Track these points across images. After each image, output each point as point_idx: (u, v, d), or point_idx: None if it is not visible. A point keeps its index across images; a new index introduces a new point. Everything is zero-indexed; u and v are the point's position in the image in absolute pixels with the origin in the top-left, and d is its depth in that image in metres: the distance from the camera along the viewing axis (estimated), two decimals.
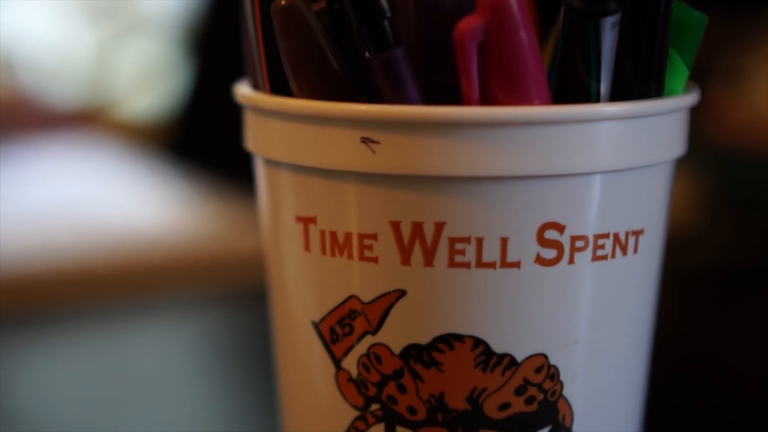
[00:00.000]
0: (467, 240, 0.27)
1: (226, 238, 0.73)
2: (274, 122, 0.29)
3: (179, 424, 0.48)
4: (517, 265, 0.27)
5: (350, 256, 0.28)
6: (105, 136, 1.14)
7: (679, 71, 0.29)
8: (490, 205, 0.27)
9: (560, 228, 0.27)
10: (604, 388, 0.29)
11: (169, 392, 0.53)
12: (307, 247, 0.29)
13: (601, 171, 0.27)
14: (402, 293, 0.28)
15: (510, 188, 0.27)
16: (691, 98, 0.29)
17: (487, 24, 0.26)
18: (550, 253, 0.27)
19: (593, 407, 0.29)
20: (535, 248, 0.27)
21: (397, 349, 0.28)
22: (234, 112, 0.33)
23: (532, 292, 0.28)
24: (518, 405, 0.28)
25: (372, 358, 0.28)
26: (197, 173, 0.91)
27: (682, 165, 0.31)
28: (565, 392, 0.28)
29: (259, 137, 0.30)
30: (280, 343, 0.32)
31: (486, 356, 0.28)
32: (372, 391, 0.29)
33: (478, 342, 0.28)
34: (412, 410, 0.28)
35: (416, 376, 0.28)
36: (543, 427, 0.28)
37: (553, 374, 0.28)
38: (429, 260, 0.27)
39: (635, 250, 0.29)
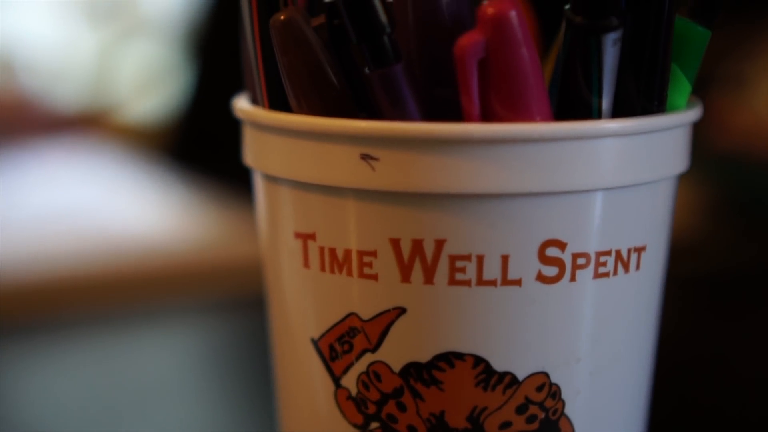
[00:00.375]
0: (468, 257, 0.27)
1: (227, 244, 0.73)
2: (272, 138, 0.29)
3: (180, 431, 0.48)
4: (518, 282, 0.27)
5: (350, 273, 0.28)
6: (106, 139, 1.14)
7: (681, 86, 0.29)
8: (490, 222, 0.27)
9: (562, 245, 0.27)
10: (606, 405, 0.29)
11: (170, 399, 0.53)
12: (306, 263, 0.29)
13: (603, 188, 0.27)
14: (402, 311, 0.28)
15: (511, 205, 0.27)
16: (693, 114, 0.29)
17: (487, 40, 0.26)
18: (551, 271, 0.27)
19: (595, 425, 0.29)
20: (536, 266, 0.27)
21: (396, 367, 0.28)
22: (235, 118, 0.33)
23: (534, 310, 0.27)
24: (519, 424, 0.28)
25: (371, 376, 0.28)
26: (198, 178, 0.91)
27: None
28: (567, 411, 0.28)
29: (257, 152, 0.30)
30: (279, 359, 0.31)
31: (487, 375, 0.27)
32: (371, 409, 0.28)
33: (478, 360, 0.27)
34: (412, 429, 0.28)
35: (416, 394, 0.28)
36: None
37: (554, 392, 0.28)
38: (429, 278, 0.27)
39: (637, 267, 0.29)
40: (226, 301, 0.66)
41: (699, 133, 0.30)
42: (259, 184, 0.31)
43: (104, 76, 1.36)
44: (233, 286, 0.66)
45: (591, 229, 0.27)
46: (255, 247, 0.31)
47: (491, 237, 0.27)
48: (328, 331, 0.29)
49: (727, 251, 0.71)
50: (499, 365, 0.27)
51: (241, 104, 0.31)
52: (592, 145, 0.27)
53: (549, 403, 0.28)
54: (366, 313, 0.28)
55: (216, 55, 1.04)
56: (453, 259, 0.27)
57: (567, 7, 0.27)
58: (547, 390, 0.28)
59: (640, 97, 0.28)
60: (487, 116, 0.27)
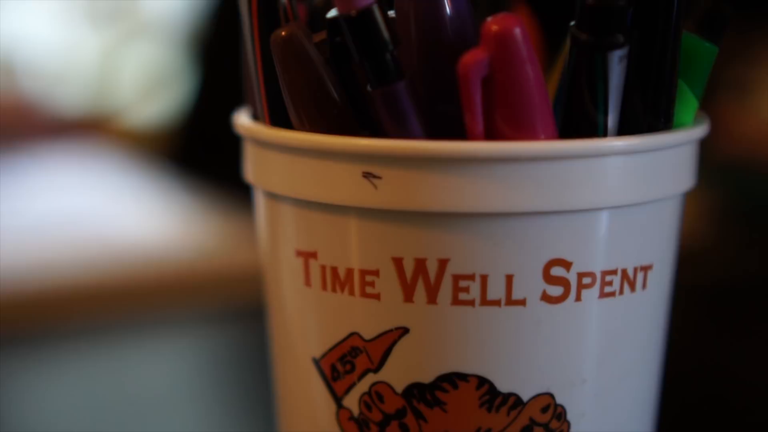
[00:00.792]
0: (471, 277, 0.26)
1: (230, 252, 0.73)
2: (273, 155, 0.28)
3: None
4: (522, 302, 0.27)
5: (351, 293, 0.28)
6: (108, 144, 1.14)
7: (688, 102, 0.29)
8: (494, 241, 0.26)
9: (567, 265, 0.27)
10: (612, 427, 0.29)
11: (170, 409, 0.52)
12: (307, 282, 0.28)
13: (609, 206, 0.27)
14: (404, 331, 0.27)
15: (515, 224, 0.26)
16: (700, 130, 0.29)
17: (491, 57, 0.25)
18: (556, 291, 0.27)
19: None
20: (541, 285, 0.27)
21: (399, 387, 0.28)
22: None
23: (538, 330, 0.27)
24: None
25: (374, 396, 0.28)
26: (201, 185, 0.91)
27: None
28: None
29: (258, 169, 0.29)
30: (280, 378, 0.31)
31: (491, 396, 0.27)
32: (374, 430, 0.28)
33: (482, 381, 0.27)
34: None
35: (419, 415, 0.27)
36: None
37: (559, 414, 0.28)
38: (432, 297, 0.27)
39: (644, 286, 0.28)
40: (228, 310, 0.66)
41: (703, 140, 0.30)
42: (259, 201, 0.30)
43: (107, 79, 1.36)
44: (236, 294, 0.66)
45: (596, 248, 0.27)
46: (258, 255, 0.31)
47: (495, 256, 0.26)
48: (330, 350, 0.28)
49: (731, 259, 0.70)
50: (503, 386, 0.27)
51: (242, 120, 0.30)
52: (597, 163, 0.26)
53: (554, 424, 0.28)
54: (368, 333, 0.28)
55: (219, 60, 1.04)
56: (456, 278, 0.27)
57: (572, 23, 0.26)
58: (552, 411, 0.27)
59: (647, 114, 0.27)
60: (491, 134, 0.26)
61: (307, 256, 0.28)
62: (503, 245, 0.26)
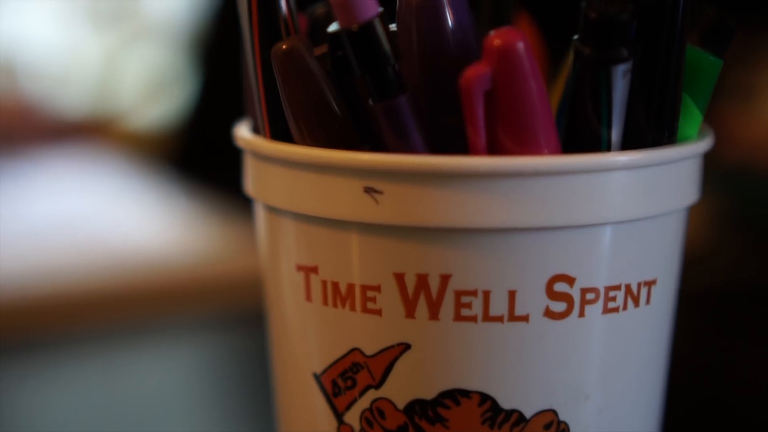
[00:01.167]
0: (474, 293, 0.26)
1: (231, 258, 0.72)
2: (274, 168, 0.28)
3: None
4: (525, 318, 0.26)
5: (353, 308, 0.27)
6: (110, 148, 1.14)
7: (692, 116, 0.28)
8: (497, 257, 0.26)
9: (570, 280, 0.26)
10: None
11: (170, 414, 0.52)
12: (308, 297, 0.28)
13: (612, 222, 0.27)
14: (406, 347, 0.27)
15: (518, 240, 0.26)
16: (704, 144, 0.28)
17: (494, 71, 0.25)
18: (559, 307, 0.27)
19: None
20: (544, 301, 0.26)
21: (401, 404, 0.27)
22: None
23: (541, 346, 0.27)
24: None
25: (375, 413, 0.28)
26: (202, 189, 0.90)
27: None
28: None
29: (259, 183, 0.29)
30: (281, 393, 0.31)
31: (493, 413, 0.27)
32: None
33: (485, 398, 0.27)
34: None
35: None
36: None
37: (563, 430, 0.27)
38: (434, 313, 0.26)
39: (648, 301, 0.28)
40: (229, 315, 0.66)
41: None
42: (260, 215, 0.30)
43: (109, 82, 1.35)
44: (238, 299, 0.66)
45: (600, 263, 0.27)
46: (259, 261, 0.31)
47: (498, 272, 0.26)
48: (331, 366, 0.28)
49: (734, 264, 0.70)
50: (506, 403, 0.27)
51: (242, 133, 0.30)
52: (601, 178, 0.26)
53: None
54: (370, 349, 0.27)
55: (222, 63, 1.04)
56: (459, 294, 0.26)
57: (575, 37, 0.26)
58: (555, 428, 0.27)
59: (651, 128, 0.27)
60: (493, 149, 0.26)
61: (308, 270, 0.28)
62: (506, 261, 0.26)
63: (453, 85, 0.26)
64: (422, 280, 0.26)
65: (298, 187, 0.27)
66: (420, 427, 0.27)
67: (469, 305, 0.26)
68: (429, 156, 0.26)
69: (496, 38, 0.25)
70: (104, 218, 0.84)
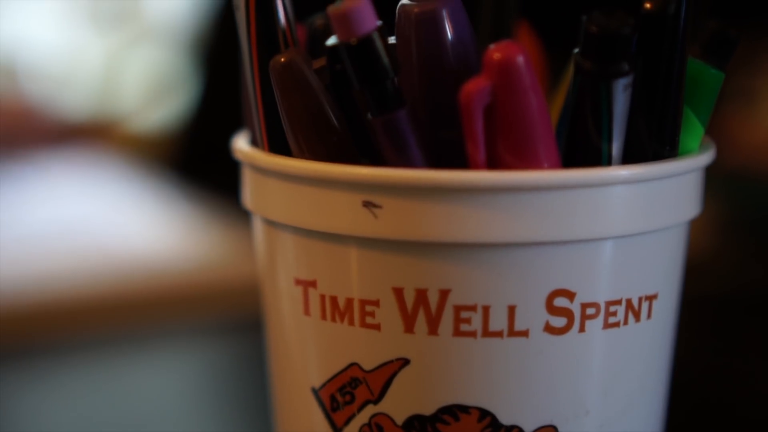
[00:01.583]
0: (473, 308, 0.26)
1: (233, 263, 0.72)
2: (272, 182, 0.28)
3: None
4: (525, 334, 0.26)
5: (351, 323, 0.27)
6: (112, 151, 1.13)
7: (694, 129, 0.28)
8: (497, 272, 0.26)
9: (570, 295, 0.26)
10: None
11: (170, 420, 0.52)
12: (306, 311, 0.28)
13: (613, 236, 0.26)
14: (405, 362, 0.27)
15: (518, 255, 0.26)
16: (706, 158, 0.28)
17: (494, 85, 0.25)
18: (559, 322, 0.26)
19: None
20: (544, 316, 0.26)
21: (400, 419, 0.27)
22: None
23: (541, 361, 0.26)
24: None
25: (374, 428, 0.27)
26: (203, 194, 0.90)
27: None
28: None
29: (257, 196, 0.29)
30: (279, 407, 0.31)
31: (493, 428, 0.27)
32: None
33: (484, 414, 0.27)
34: None
35: None
36: None
37: None
38: (433, 328, 0.26)
39: (648, 316, 0.28)
40: (230, 320, 0.65)
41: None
42: (258, 228, 0.30)
43: (111, 84, 1.35)
44: (239, 305, 0.66)
45: (600, 278, 0.27)
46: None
47: (497, 287, 0.26)
48: (330, 380, 0.28)
49: (736, 269, 0.70)
50: (505, 419, 0.27)
51: (240, 145, 0.30)
52: (601, 192, 0.26)
53: None
54: (368, 364, 0.27)
55: (224, 66, 1.03)
56: (458, 309, 0.26)
57: (576, 50, 0.26)
58: None
59: (652, 142, 0.27)
60: (493, 163, 0.26)
61: (307, 285, 0.28)
62: (505, 276, 0.26)
63: (452, 99, 0.26)
64: (421, 295, 0.26)
65: (297, 200, 0.27)
66: None
67: (468, 320, 0.26)
68: (428, 170, 0.26)
69: (495, 52, 0.25)
70: (104, 223, 0.84)
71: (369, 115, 0.26)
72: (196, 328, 0.65)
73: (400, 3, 0.27)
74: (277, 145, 0.28)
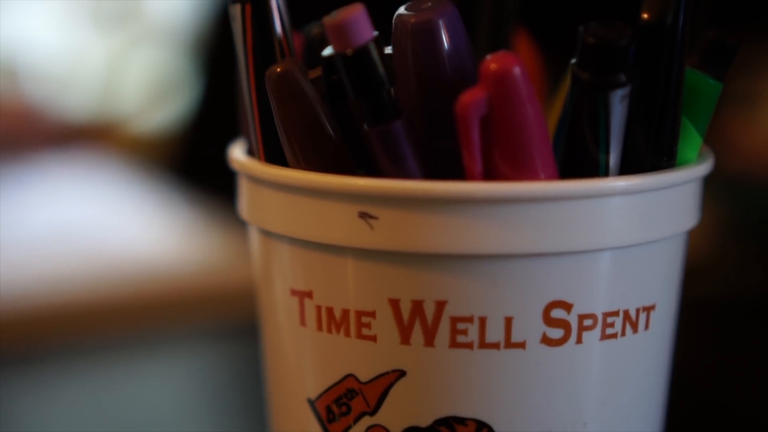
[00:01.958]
0: (470, 319, 0.26)
1: (233, 267, 0.72)
2: (268, 192, 0.28)
3: None
4: (522, 345, 0.26)
5: (347, 334, 0.27)
6: (112, 153, 1.13)
7: (692, 139, 0.28)
8: (493, 283, 0.26)
9: (567, 307, 0.26)
10: None
11: (169, 424, 0.52)
12: (302, 321, 0.28)
13: (610, 247, 0.26)
14: (401, 373, 0.27)
15: (515, 266, 0.26)
16: (703, 168, 0.28)
17: (490, 96, 0.25)
18: (556, 333, 0.26)
19: None
20: (541, 328, 0.26)
21: (396, 431, 0.27)
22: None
23: (538, 373, 0.26)
24: None
25: None
26: (204, 197, 0.90)
27: None
28: None
29: (253, 206, 0.29)
30: (275, 418, 0.30)
31: None
32: None
33: (481, 425, 0.26)
34: None
35: None
36: None
37: None
38: (430, 340, 0.26)
39: (646, 327, 0.28)
40: (230, 324, 0.65)
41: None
42: (254, 238, 0.30)
43: (112, 85, 1.35)
44: (238, 309, 0.65)
45: (598, 289, 0.26)
46: None
47: (494, 298, 0.26)
48: (326, 392, 0.28)
49: (736, 272, 0.70)
50: (502, 430, 0.27)
51: (237, 155, 0.30)
52: (598, 204, 0.26)
53: None
54: (364, 375, 0.27)
55: (225, 68, 1.03)
56: (454, 320, 0.26)
57: (573, 61, 0.26)
58: None
59: (649, 153, 0.27)
60: (489, 174, 0.26)
61: (303, 295, 0.28)
62: (502, 287, 0.26)
63: (449, 110, 0.26)
64: (417, 306, 0.26)
65: (293, 211, 0.27)
66: None
67: (464, 332, 0.26)
68: (424, 181, 0.26)
69: (492, 63, 0.25)
70: (104, 226, 0.84)
71: (365, 126, 0.26)
72: (195, 332, 0.65)
73: (396, 13, 0.27)
74: (273, 155, 0.28)
